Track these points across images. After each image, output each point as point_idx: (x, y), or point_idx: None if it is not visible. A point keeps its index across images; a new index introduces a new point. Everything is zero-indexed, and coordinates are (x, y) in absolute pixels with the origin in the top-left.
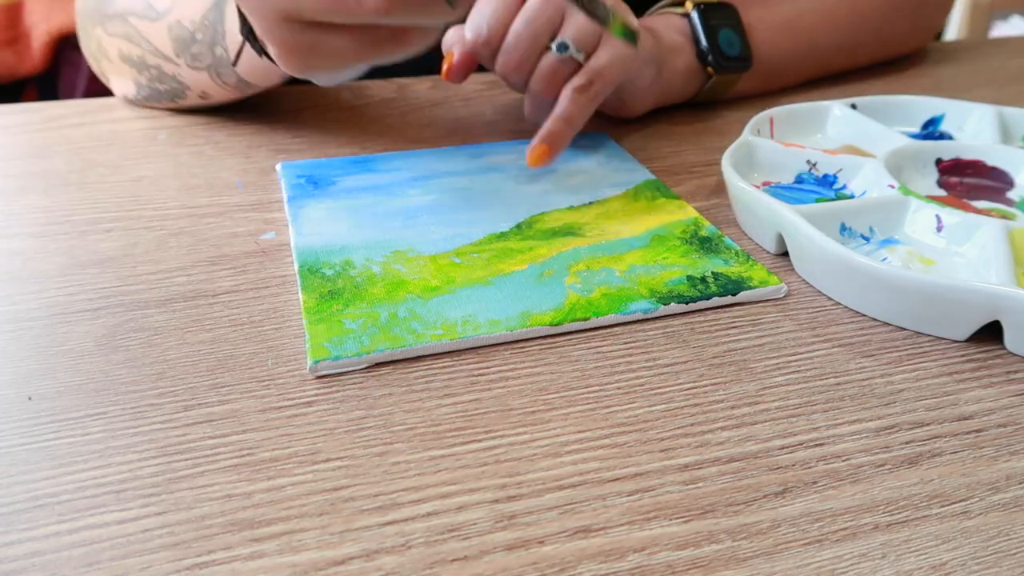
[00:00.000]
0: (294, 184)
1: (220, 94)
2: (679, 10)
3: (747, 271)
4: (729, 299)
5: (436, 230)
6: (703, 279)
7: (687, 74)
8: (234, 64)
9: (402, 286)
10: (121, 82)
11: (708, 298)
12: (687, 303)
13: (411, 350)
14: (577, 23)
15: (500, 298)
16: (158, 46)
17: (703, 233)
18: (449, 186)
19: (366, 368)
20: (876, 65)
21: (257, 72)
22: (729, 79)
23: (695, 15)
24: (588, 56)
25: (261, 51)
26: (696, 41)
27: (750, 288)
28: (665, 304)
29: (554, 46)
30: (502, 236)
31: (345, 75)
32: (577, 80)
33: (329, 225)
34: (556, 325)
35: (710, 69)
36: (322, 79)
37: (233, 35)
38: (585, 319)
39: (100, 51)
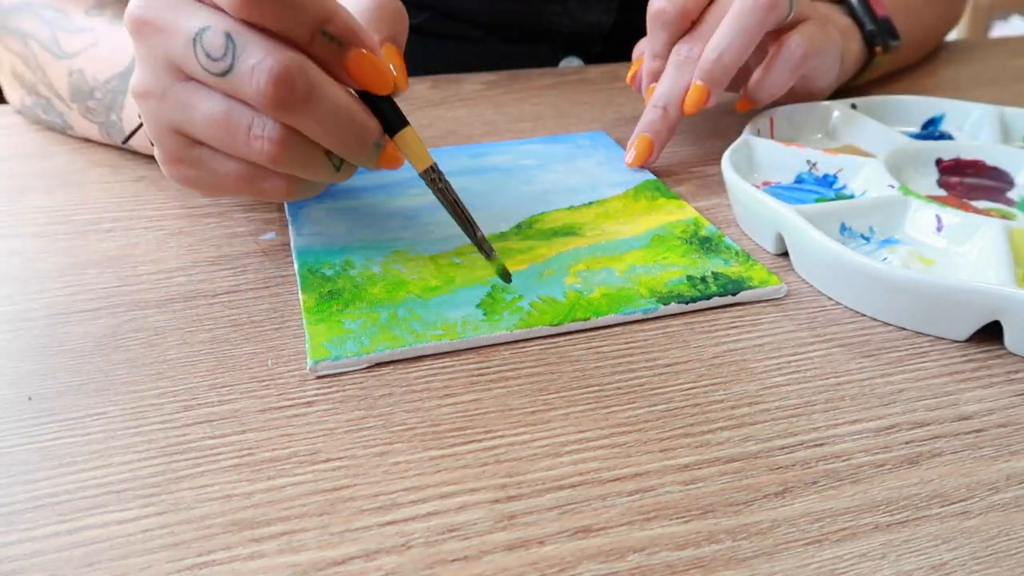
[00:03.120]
0: None
1: (106, 142)
2: None
3: (747, 271)
4: (729, 299)
5: (436, 230)
6: (703, 279)
7: (857, 56)
8: (124, 142)
9: (402, 286)
10: (11, 92)
11: (708, 298)
12: (687, 303)
13: (411, 350)
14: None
15: None
16: (55, 84)
17: (703, 233)
18: None
19: (366, 368)
20: None
21: (148, 150)
22: (884, 59)
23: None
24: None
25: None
26: (861, 25)
27: (750, 288)
28: (665, 304)
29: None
30: (502, 236)
31: (220, 196)
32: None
33: (329, 225)
34: (556, 325)
35: (878, 49)
36: (199, 193)
37: (131, 115)
38: (585, 319)
39: None
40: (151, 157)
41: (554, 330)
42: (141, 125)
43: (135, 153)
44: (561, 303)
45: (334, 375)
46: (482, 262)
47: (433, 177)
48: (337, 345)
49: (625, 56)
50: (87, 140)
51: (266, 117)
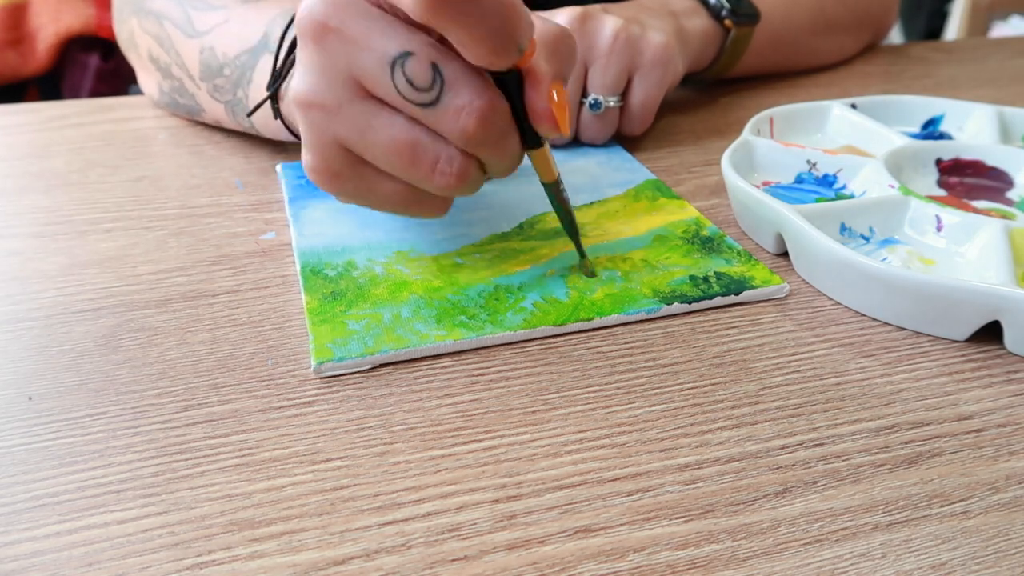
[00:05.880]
0: (295, 185)
1: (232, 127)
2: None
3: (749, 271)
4: (732, 299)
5: (438, 230)
6: (705, 279)
7: (705, 35)
8: (249, 115)
9: (405, 287)
10: (147, 81)
11: (711, 298)
12: (690, 303)
13: (415, 351)
14: (600, 74)
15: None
16: (186, 63)
17: (704, 233)
18: None
19: (366, 368)
20: (875, 65)
21: (269, 128)
22: (745, 33)
23: None
24: (624, 95)
25: (277, 114)
26: (704, 1)
27: (752, 288)
28: (668, 304)
29: (587, 105)
30: (504, 236)
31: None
32: (630, 125)
33: (331, 226)
34: (560, 325)
35: (728, 23)
36: (341, 199)
37: (259, 87)
38: (589, 319)
39: (131, 43)
40: (151, 157)
41: (558, 330)
42: (268, 99)
43: (135, 153)
44: (564, 303)
45: (335, 376)
46: (484, 262)
47: (561, 188)
48: (341, 346)
49: None
50: (212, 126)
51: (454, 150)
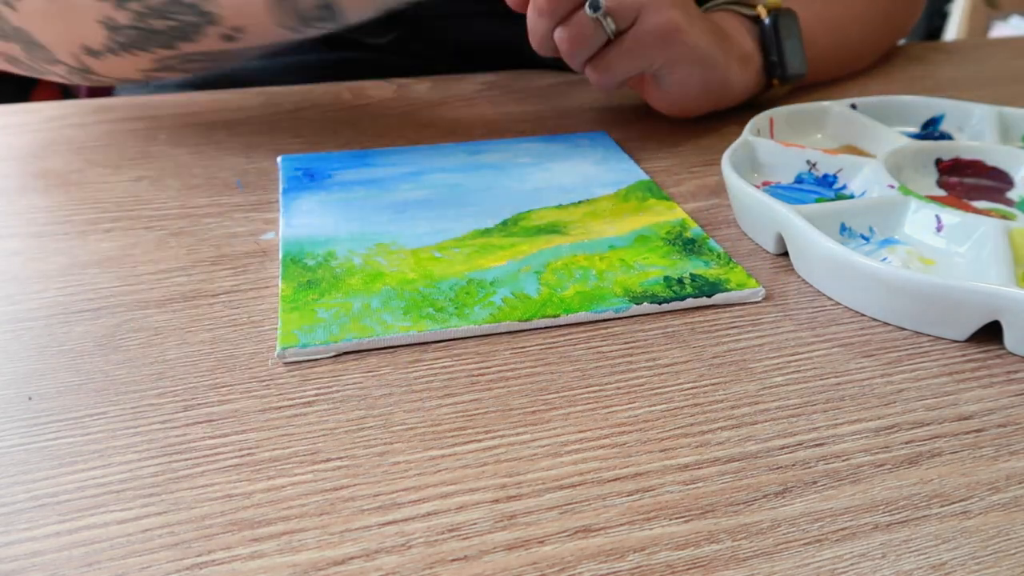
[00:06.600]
0: (291, 176)
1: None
2: (747, 11)
3: (726, 273)
4: (704, 300)
5: (422, 225)
6: (680, 280)
7: (754, 84)
8: None
9: (379, 278)
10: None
11: (682, 299)
12: (660, 303)
13: (379, 340)
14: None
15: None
16: None
17: (688, 235)
18: (442, 182)
19: (367, 369)
20: (875, 65)
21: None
22: (785, 89)
23: (770, 25)
24: (619, 32)
25: None
26: (766, 52)
27: (726, 290)
28: (638, 304)
29: (587, 5)
30: (486, 232)
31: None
32: (594, 62)
33: (318, 217)
34: (525, 321)
35: (775, 81)
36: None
37: None
38: (555, 316)
39: None
40: (151, 157)
41: (522, 326)
42: None
43: (135, 153)
44: (533, 299)
45: (335, 376)
46: (462, 257)
47: None
48: (307, 333)
49: None
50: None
51: None
